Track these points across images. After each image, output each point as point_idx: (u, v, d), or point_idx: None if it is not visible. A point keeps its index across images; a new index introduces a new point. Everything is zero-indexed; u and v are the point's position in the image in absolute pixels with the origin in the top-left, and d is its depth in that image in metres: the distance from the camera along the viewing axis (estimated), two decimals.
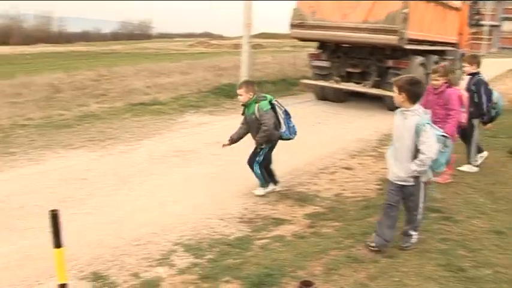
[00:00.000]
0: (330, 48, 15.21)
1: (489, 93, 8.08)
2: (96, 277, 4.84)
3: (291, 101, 13.80)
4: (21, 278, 4.83)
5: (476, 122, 8.20)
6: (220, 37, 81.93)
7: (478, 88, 7.96)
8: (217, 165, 8.43)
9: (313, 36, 14.71)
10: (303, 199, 7.05)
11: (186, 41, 73.26)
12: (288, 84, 17.96)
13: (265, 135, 6.82)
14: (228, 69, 20.18)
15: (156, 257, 5.26)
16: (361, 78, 14.61)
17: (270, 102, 6.93)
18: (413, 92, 4.89)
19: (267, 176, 7.19)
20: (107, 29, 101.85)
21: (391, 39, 12.86)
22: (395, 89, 4.98)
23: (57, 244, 4.28)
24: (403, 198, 5.23)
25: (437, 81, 7.22)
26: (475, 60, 8.22)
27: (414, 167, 4.91)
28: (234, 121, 11.77)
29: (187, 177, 7.84)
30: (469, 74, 8.26)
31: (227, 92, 14.87)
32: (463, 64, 9.42)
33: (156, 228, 5.93)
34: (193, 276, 4.85)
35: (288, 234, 5.86)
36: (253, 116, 6.87)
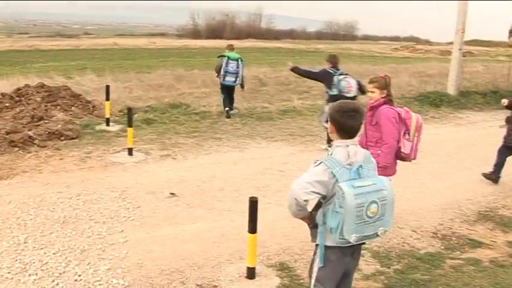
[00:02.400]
0: None
1: None
2: (283, 267, 4.96)
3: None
4: (214, 255, 5.14)
5: None
6: (427, 42, 78.86)
7: None
8: (415, 174, 8.11)
9: None
10: (506, 224, 6.45)
11: (391, 44, 72.02)
12: (499, 97, 16.62)
13: None
14: (434, 77, 19.39)
15: None
16: None
17: None
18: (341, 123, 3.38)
19: None
20: (312, 28, 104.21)
21: None
22: None
23: (252, 230, 4.47)
24: None
25: (373, 93, 5.61)
26: None
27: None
28: (437, 130, 11.35)
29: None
30: None
31: (432, 100, 14.24)
32: None
33: None
34: (377, 284, 4.72)
35: (485, 259, 5.41)
36: None
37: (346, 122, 3.34)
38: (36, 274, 4.65)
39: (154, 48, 48.20)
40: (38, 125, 9.80)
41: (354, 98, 8.40)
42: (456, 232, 6.08)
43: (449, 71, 15.44)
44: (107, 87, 10.63)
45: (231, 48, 11.93)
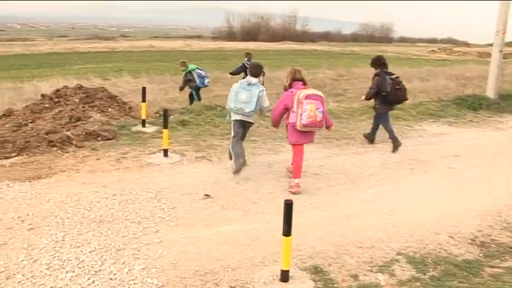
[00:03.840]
0: None
1: None
2: (317, 271, 4.91)
3: None
4: (248, 257, 5.14)
5: None
6: (465, 44, 77.65)
7: None
8: (453, 179, 7.95)
9: None
10: None
11: (428, 46, 71.14)
12: None
13: None
14: (472, 79, 19.04)
15: (377, 263, 5.15)
16: None
17: None
18: None
19: None
20: (347, 30, 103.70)
21: None
22: None
23: (287, 232, 4.44)
24: None
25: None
26: None
27: None
28: (475, 134, 11.13)
29: (419, 187, 7.54)
30: None
31: (470, 103, 13.93)
32: None
33: (381, 234, 5.81)
34: None
35: None
36: None
37: None
38: (73, 271, 4.72)
39: (190, 50, 48.71)
40: (76, 126, 9.96)
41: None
42: (495, 239, 5.92)
43: (488, 73, 15.10)
44: (143, 88, 10.75)
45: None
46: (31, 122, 10.50)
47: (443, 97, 15.06)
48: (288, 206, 4.43)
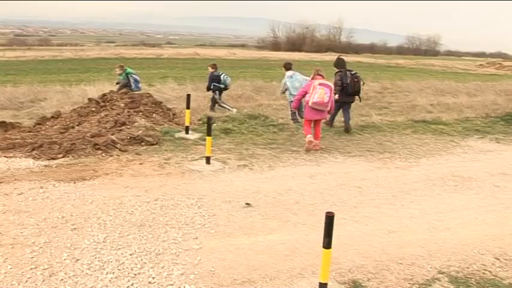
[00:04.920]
0: None
1: None
2: (355, 285, 4.84)
3: None
4: (286, 268, 5.09)
5: None
6: None
7: None
8: (499, 198, 7.73)
9: None
10: None
11: (476, 60, 69.68)
12: None
13: None
14: None
15: (418, 281, 5.03)
16: None
17: None
18: None
19: None
20: (393, 43, 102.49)
21: None
22: None
23: (327, 245, 4.39)
24: None
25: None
26: None
27: None
28: None
29: (463, 205, 7.34)
30: None
31: None
32: None
33: (422, 251, 5.68)
34: None
35: None
36: None
37: None
38: (113, 273, 4.79)
39: (235, 59, 48.97)
40: (121, 130, 10.13)
41: None
42: None
43: None
44: (188, 96, 10.86)
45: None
46: (78, 125, 10.75)
47: (491, 113, 14.69)
48: (329, 219, 4.38)
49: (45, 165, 8.28)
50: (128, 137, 9.67)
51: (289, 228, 6.09)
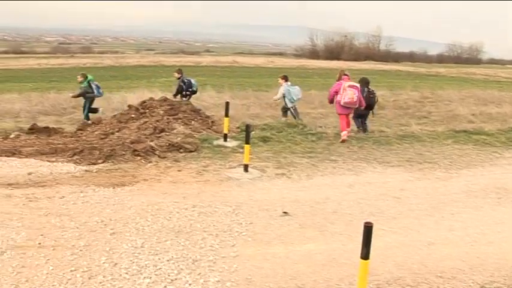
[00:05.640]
0: None
1: None
2: None
3: None
4: (323, 277, 5.05)
5: None
6: None
7: None
8: None
9: None
10: None
11: None
12: None
13: None
14: None
15: None
16: None
17: None
18: None
19: None
20: (433, 51, 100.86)
21: None
22: None
23: (365, 256, 4.32)
24: None
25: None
26: None
27: None
28: None
29: (507, 218, 7.13)
30: None
31: None
32: None
33: (463, 265, 5.53)
34: None
35: None
36: None
37: None
38: (150, 278, 4.83)
39: (273, 67, 49.01)
40: (160, 137, 10.25)
41: None
42: None
43: None
44: (227, 103, 10.92)
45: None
46: (117, 131, 10.93)
47: None
48: (368, 229, 4.32)
49: (86, 170, 8.45)
50: (167, 144, 9.77)
51: (326, 238, 6.04)
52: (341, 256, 5.51)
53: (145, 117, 11.70)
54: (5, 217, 6.26)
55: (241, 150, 9.60)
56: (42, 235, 5.75)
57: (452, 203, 7.57)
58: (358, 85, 11.50)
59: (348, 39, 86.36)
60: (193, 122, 11.78)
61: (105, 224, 6.10)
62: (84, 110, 14.02)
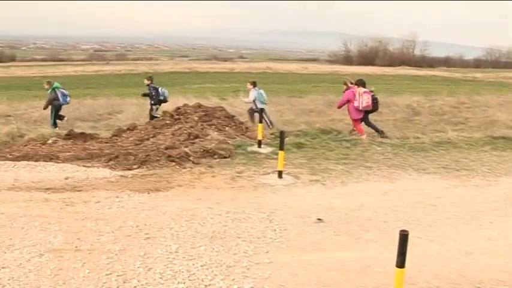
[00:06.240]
0: None
1: None
2: None
3: None
4: (357, 286, 5.00)
5: None
6: None
7: None
8: None
9: None
10: None
11: None
12: None
13: None
14: None
15: None
16: None
17: None
18: None
19: None
20: (469, 55, 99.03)
21: None
22: None
23: (401, 264, 4.25)
24: None
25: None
26: None
27: None
28: None
29: None
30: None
31: None
32: None
33: (503, 276, 5.38)
34: None
35: None
36: None
37: None
38: (184, 283, 4.86)
39: (306, 73, 49.02)
40: (194, 143, 10.32)
41: None
42: None
43: None
44: (261, 110, 10.94)
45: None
46: (152, 137, 11.05)
47: None
48: (404, 237, 4.25)
49: (121, 176, 8.56)
50: (201, 150, 9.83)
51: (361, 246, 5.98)
52: (376, 264, 5.43)
53: (179, 123, 11.80)
54: (43, 221, 6.41)
55: (275, 156, 9.58)
56: (78, 239, 5.86)
57: (490, 211, 7.40)
58: (368, 90, 12.32)
59: (382, 45, 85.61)
60: (227, 128, 11.83)
61: (140, 229, 6.16)
62: (51, 117, 14.43)
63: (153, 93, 14.67)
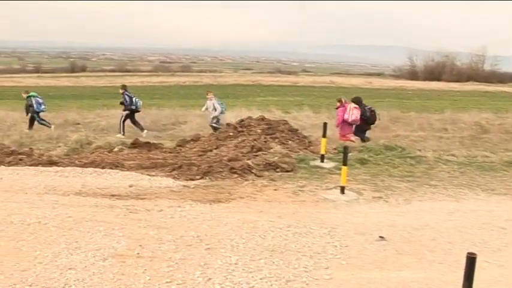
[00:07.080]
0: None
1: None
2: None
3: None
4: None
5: None
6: None
7: None
8: None
9: None
10: None
11: None
12: None
13: None
14: None
15: None
16: None
17: None
18: None
19: None
20: None
21: None
22: None
23: None
24: None
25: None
26: None
27: None
28: None
29: None
30: None
31: None
32: None
33: None
34: None
35: None
36: None
37: None
38: None
39: (371, 88, 48.43)
40: (257, 155, 10.38)
41: None
42: None
43: None
44: (325, 124, 10.89)
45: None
46: (215, 148, 11.20)
47: None
48: (471, 260, 4.10)
49: (184, 185, 8.71)
50: (264, 163, 9.87)
51: (424, 266, 5.80)
52: (439, 286, 5.26)
53: (243, 135, 11.90)
54: (107, 226, 6.60)
55: (338, 171, 9.49)
56: (140, 245, 5.99)
57: None
58: (357, 106, 13.23)
59: (449, 59, 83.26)
60: (290, 141, 11.83)
61: (201, 239, 6.23)
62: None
63: (127, 101, 15.39)
